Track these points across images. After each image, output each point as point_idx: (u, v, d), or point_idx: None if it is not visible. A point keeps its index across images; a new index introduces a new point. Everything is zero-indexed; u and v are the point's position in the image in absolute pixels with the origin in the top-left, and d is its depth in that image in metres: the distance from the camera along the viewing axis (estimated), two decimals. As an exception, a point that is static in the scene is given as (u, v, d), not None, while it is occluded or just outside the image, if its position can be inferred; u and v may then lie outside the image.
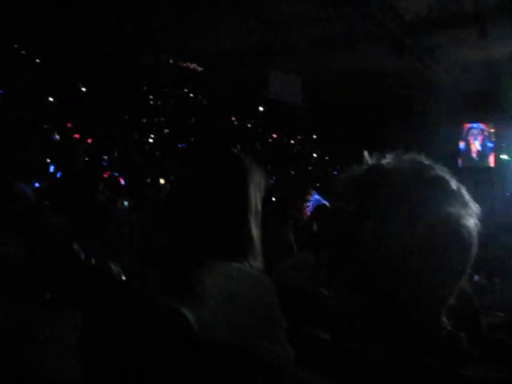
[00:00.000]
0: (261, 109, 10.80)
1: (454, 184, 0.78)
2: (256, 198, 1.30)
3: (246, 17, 7.05)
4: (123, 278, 1.76)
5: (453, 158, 11.24)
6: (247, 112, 10.90)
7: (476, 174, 9.65)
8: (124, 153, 8.21)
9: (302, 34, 7.58)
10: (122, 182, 7.41)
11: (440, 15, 6.73)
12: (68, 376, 1.28)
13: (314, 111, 10.79)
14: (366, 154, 0.82)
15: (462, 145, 12.37)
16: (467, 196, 0.78)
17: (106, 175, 7.24)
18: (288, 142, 12.17)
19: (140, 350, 0.95)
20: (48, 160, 6.75)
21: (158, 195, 6.70)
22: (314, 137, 12.59)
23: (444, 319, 0.77)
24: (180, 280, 1.19)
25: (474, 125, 12.27)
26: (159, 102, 9.76)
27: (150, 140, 9.26)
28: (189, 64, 9.18)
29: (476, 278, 6.47)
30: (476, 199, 0.79)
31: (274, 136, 11.78)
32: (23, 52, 7.52)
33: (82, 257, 1.60)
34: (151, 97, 9.61)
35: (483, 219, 0.78)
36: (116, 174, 7.49)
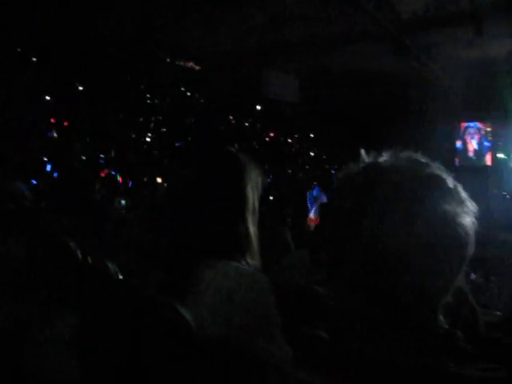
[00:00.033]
0: (258, 108, 10.80)
1: (450, 182, 0.78)
2: (253, 196, 1.30)
3: (244, 16, 7.04)
4: (120, 276, 1.76)
5: (450, 157, 11.26)
6: (245, 111, 10.90)
7: (473, 173, 9.67)
8: (121, 152, 8.20)
9: (299, 33, 7.58)
10: (120, 180, 7.41)
11: (437, 14, 6.73)
12: (68, 376, 1.28)
13: (312, 110, 10.80)
14: (362, 152, 0.82)
15: (458, 144, 12.39)
16: (464, 194, 0.78)
17: (103, 174, 7.23)
18: (285, 140, 12.17)
19: (137, 348, 0.95)
20: (45, 159, 6.74)
21: (155, 194, 6.69)
22: (312, 135, 12.59)
23: (441, 317, 0.77)
24: (178, 279, 1.19)
25: (471, 124, 12.29)
26: (156, 101, 9.75)
27: (147, 139, 9.25)
28: (186, 63, 9.17)
29: (473, 276, 6.49)
30: (473, 198, 0.79)
31: (272, 135, 11.79)
32: (18, 49, 7.51)
33: (79, 256, 1.60)
34: (148, 95, 9.60)
35: (480, 218, 0.78)
36: (113, 173, 7.48)
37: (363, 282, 0.74)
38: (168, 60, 8.97)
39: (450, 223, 0.74)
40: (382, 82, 9.41)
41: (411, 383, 0.71)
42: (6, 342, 1.45)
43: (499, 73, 8.52)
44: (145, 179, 8.08)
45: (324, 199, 7.15)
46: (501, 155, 11.93)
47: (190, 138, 9.74)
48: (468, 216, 0.76)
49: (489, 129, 12.11)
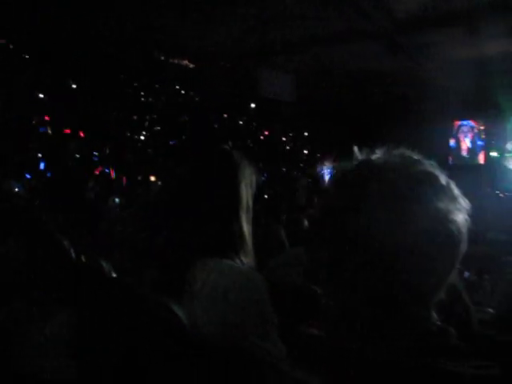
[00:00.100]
0: (253, 106, 10.80)
1: (443, 179, 0.78)
2: (247, 194, 1.30)
3: (240, 15, 7.04)
4: (114, 275, 1.76)
5: (444, 155, 11.29)
6: (239, 109, 10.89)
7: (466, 172, 9.71)
8: (115, 150, 8.18)
9: (296, 32, 7.57)
10: (113, 174, 7.39)
11: (432, 13, 6.75)
12: (65, 375, 1.28)
13: (307, 109, 10.80)
14: (355, 149, 0.82)
15: (452, 142, 12.44)
16: (456, 191, 0.78)
17: (97, 171, 7.22)
18: (280, 139, 12.18)
19: (133, 347, 0.95)
20: (39, 155, 6.72)
21: (149, 193, 6.68)
22: (306, 134, 12.61)
23: (434, 314, 0.77)
24: (172, 277, 1.19)
25: (464, 122, 12.33)
26: (150, 99, 9.72)
27: (142, 137, 9.23)
28: (181, 61, 9.15)
29: (466, 274, 6.52)
30: (466, 196, 0.79)
31: (266, 133, 11.79)
32: (11, 46, 7.46)
33: (73, 254, 1.60)
34: (143, 93, 9.58)
35: (473, 216, 0.78)
36: (107, 171, 7.47)
37: (363, 282, 0.74)
38: (163, 58, 8.95)
39: (443, 220, 0.74)
40: (377, 81, 9.43)
41: (407, 382, 0.71)
42: (3, 342, 1.45)
43: (493, 72, 8.56)
44: (139, 178, 8.06)
45: None
46: (494, 154, 11.98)
47: (184, 137, 9.72)
48: (461, 213, 0.76)
49: (482, 127, 12.16)
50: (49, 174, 6.61)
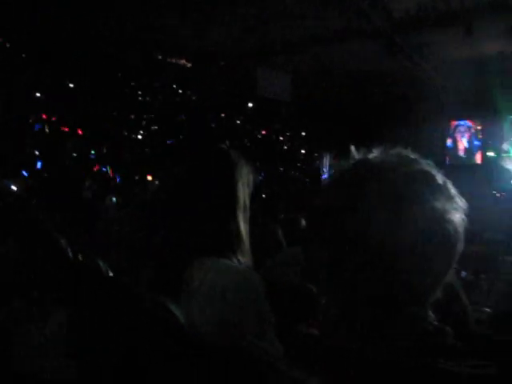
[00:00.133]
0: (250, 105, 10.79)
1: (439, 178, 0.78)
2: (244, 193, 1.30)
3: (238, 14, 7.03)
4: (111, 274, 1.75)
5: (441, 155, 11.31)
6: (237, 109, 10.89)
7: (463, 171, 9.73)
8: (113, 149, 8.17)
9: (293, 32, 7.57)
10: (110, 173, 7.39)
11: (429, 13, 6.76)
12: (64, 375, 1.28)
13: (304, 108, 10.80)
14: (352, 148, 0.82)
15: (449, 142, 12.46)
16: (453, 190, 0.78)
17: (95, 169, 7.22)
18: (277, 138, 12.18)
19: (129, 346, 0.95)
20: (36, 153, 6.71)
21: (146, 192, 6.68)
22: (303, 134, 12.61)
23: (431, 314, 0.77)
24: (170, 277, 1.19)
25: (461, 122, 12.35)
26: (148, 98, 9.71)
27: (139, 136, 9.21)
28: (178, 60, 9.14)
29: (463, 273, 6.53)
30: (463, 196, 0.79)
31: (264, 133, 11.79)
32: (7, 45, 7.44)
33: (70, 253, 1.59)
34: (139, 93, 9.56)
35: (470, 216, 0.78)
36: (104, 169, 7.46)
37: (362, 282, 0.74)
38: (160, 57, 8.93)
39: (440, 220, 0.74)
40: (375, 80, 9.44)
41: (406, 382, 0.71)
42: (3, 341, 1.45)
43: (491, 72, 8.57)
44: (136, 177, 8.06)
45: None
46: (491, 154, 12.00)
47: (181, 136, 9.71)
48: (458, 212, 0.76)
49: (479, 127, 12.18)
50: (46, 173, 6.59)
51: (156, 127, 9.53)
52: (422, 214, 0.73)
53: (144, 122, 9.44)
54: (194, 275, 1.17)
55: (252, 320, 1.15)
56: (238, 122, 11.11)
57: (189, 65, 9.14)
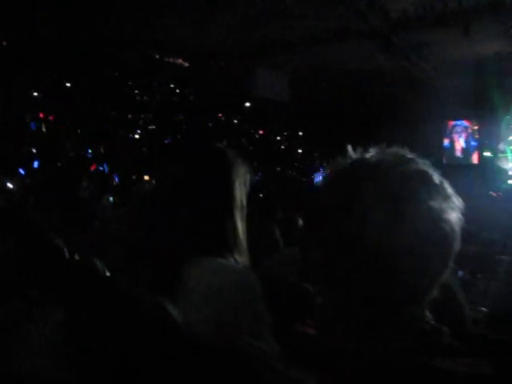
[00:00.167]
0: (248, 105, 10.79)
1: (436, 178, 0.78)
2: (241, 193, 1.30)
3: (235, 14, 7.03)
4: (108, 274, 1.75)
5: (438, 155, 11.32)
6: (234, 109, 10.89)
7: (460, 171, 9.74)
8: (110, 149, 8.16)
9: (290, 31, 7.57)
10: (108, 174, 7.38)
11: (427, 13, 6.77)
12: (62, 375, 1.27)
13: (301, 108, 10.81)
14: (349, 148, 0.82)
15: (446, 142, 12.48)
16: (450, 190, 0.78)
17: (92, 168, 7.21)
18: (275, 138, 12.19)
19: (124, 346, 0.95)
20: (34, 151, 6.70)
21: (144, 191, 6.66)
22: (301, 134, 12.62)
23: (427, 313, 0.77)
24: (167, 276, 1.18)
25: (458, 122, 12.37)
26: (145, 98, 9.70)
27: (136, 136, 9.21)
28: (176, 60, 9.13)
29: (460, 273, 6.54)
30: (460, 196, 0.79)
31: (261, 132, 11.79)
32: (3, 43, 7.43)
33: (66, 253, 1.59)
34: (137, 92, 9.55)
35: (467, 216, 0.78)
36: (101, 168, 7.46)
37: (357, 282, 0.74)
38: (158, 57, 8.93)
39: (436, 220, 0.74)
40: (372, 80, 9.44)
41: (402, 381, 0.71)
42: (0, 341, 1.44)
43: (487, 72, 8.59)
44: (133, 177, 8.05)
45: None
46: (487, 154, 12.03)
47: (179, 136, 9.71)
48: (454, 212, 0.76)
49: (476, 127, 12.20)
50: (43, 172, 6.58)
51: (153, 127, 9.52)
52: (418, 214, 0.73)
53: (141, 122, 9.43)
54: (190, 275, 1.17)
55: (248, 319, 1.15)
56: (236, 121, 11.11)
57: (186, 64, 9.13)
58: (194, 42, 8.13)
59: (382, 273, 0.73)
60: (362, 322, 0.75)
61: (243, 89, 9.06)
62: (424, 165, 0.79)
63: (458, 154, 12.45)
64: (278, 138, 12.26)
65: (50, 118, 7.51)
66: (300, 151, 12.54)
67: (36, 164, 6.69)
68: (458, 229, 0.76)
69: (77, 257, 1.58)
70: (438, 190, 0.76)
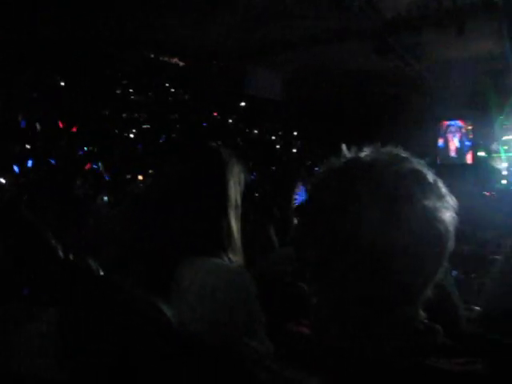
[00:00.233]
0: (243, 104, 10.79)
1: (430, 177, 0.78)
2: (236, 192, 1.30)
3: (230, 13, 7.02)
4: (102, 274, 1.74)
5: (432, 155, 11.36)
6: (229, 108, 10.87)
7: (454, 171, 9.78)
8: (104, 148, 8.13)
9: (284, 31, 7.57)
10: (102, 173, 7.36)
11: (420, 13, 6.78)
12: (56, 375, 1.27)
13: (296, 108, 10.81)
14: (343, 147, 0.82)
15: (440, 142, 12.52)
16: (444, 189, 0.78)
17: (86, 167, 7.19)
18: (270, 138, 12.18)
19: (118, 346, 0.94)
20: (28, 149, 6.67)
21: (138, 190, 6.65)
22: (295, 133, 12.62)
23: (421, 313, 0.77)
24: (160, 276, 1.18)
25: (452, 122, 12.41)
26: (140, 97, 9.68)
27: (131, 135, 9.18)
28: (170, 59, 9.11)
29: (454, 273, 6.56)
30: (454, 196, 0.79)
31: (256, 132, 11.79)
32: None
33: (60, 252, 1.58)
34: (131, 91, 9.53)
35: (462, 216, 0.78)
36: (95, 166, 7.44)
37: (352, 281, 0.74)
38: (153, 56, 8.90)
39: (430, 219, 0.74)
40: (367, 80, 9.46)
41: (397, 381, 0.71)
42: None
43: (481, 72, 8.62)
44: (128, 176, 8.03)
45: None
46: (481, 153, 12.08)
47: (174, 135, 9.69)
48: (448, 211, 0.76)
49: (470, 127, 12.25)
50: (37, 171, 6.56)
51: (148, 126, 9.50)
52: (413, 213, 0.73)
53: (136, 121, 9.41)
54: (184, 274, 1.16)
55: (243, 319, 1.15)
56: (231, 121, 11.10)
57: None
58: (188, 42, 8.12)
59: (376, 272, 0.73)
60: (357, 322, 0.75)
61: (239, 88, 9.06)
62: (418, 164, 0.79)
63: (452, 153, 12.50)
64: (273, 137, 12.27)
65: (46, 116, 7.48)
66: (294, 150, 12.55)
67: (30, 163, 6.66)
68: (452, 228, 0.76)
69: (71, 256, 1.57)
70: (432, 189, 0.77)
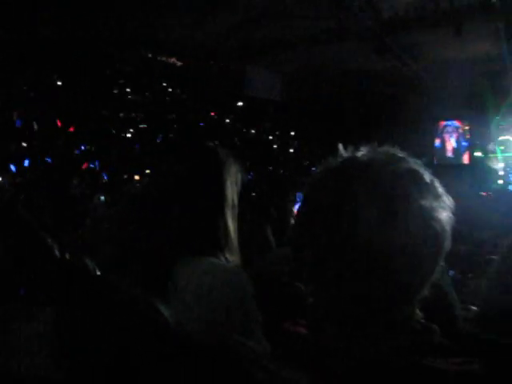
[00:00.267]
0: (240, 104, 10.78)
1: (427, 177, 0.78)
2: (233, 192, 1.30)
3: (226, 12, 7.01)
4: (99, 273, 1.74)
5: (429, 155, 11.38)
6: (227, 108, 10.87)
7: (451, 172, 9.80)
8: (101, 147, 8.12)
9: (283, 31, 7.57)
10: (99, 173, 7.35)
11: (418, 13, 6.79)
12: (53, 375, 1.27)
13: (294, 108, 10.82)
14: (340, 146, 0.81)
15: (437, 142, 12.54)
16: (440, 189, 0.78)
17: (83, 167, 7.17)
18: (267, 138, 12.19)
19: (115, 346, 0.94)
20: (25, 147, 6.66)
21: (135, 190, 6.64)
22: (293, 133, 12.63)
23: (418, 312, 0.78)
24: (158, 275, 1.18)
25: (449, 122, 12.44)
26: (137, 97, 9.67)
27: (128, 135, 9.17)
28: (168, 59, 9.10)
29: (451, 272, 6.58)
30: (451, 196, 0.79)
31: (253, 132, 11.79)
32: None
33: (56, 251, 1.58)
34: (128, 90, 9.51)
35: (458, 216, 0.78)
36: (92, 166, 7.42)
37: (348, 281, 0.74)
38: (150, 56, 8.89)
39: (427, 219, 0.74)
40: (365, 80, 9.46)
41: (393, 380, 0.71)
42: None
43: (478, 73, 8.64)
44: (125, 175, 8.02)
45: None
46: (478, 154, 12.11)
47: (171, 135, 9.68)
48: (445, 211, 0.76)
49: (467, 127, 12.27)
50: (34, 170, 6.54)
51: (145, 125, 9.49)
52: (409, 213, 0.73)
53: (133, 121, 9.39)
54: (181, 274, 1.16)
55: (240, 319, 1.15)
56: (228, 120, 11.10)
57: (179, 63, 9.11)
58: (187, 41, 8.11)
59: (373, 272, 0.73)
60: (354, 322, 0.75)
61: (239, 88, 9.06)
62: (415, 164, 0.79)
63: (449, 154, 12.52)
64: (271, 137, 12.27)
65: (43, 116, 7.47)
66: (292, 150, 12.56)
67: (27, 162, 6.65)
68: (448, 228, 0.76)
69: (68, 256, 1.57)
70: (429, 188, 0.77)
